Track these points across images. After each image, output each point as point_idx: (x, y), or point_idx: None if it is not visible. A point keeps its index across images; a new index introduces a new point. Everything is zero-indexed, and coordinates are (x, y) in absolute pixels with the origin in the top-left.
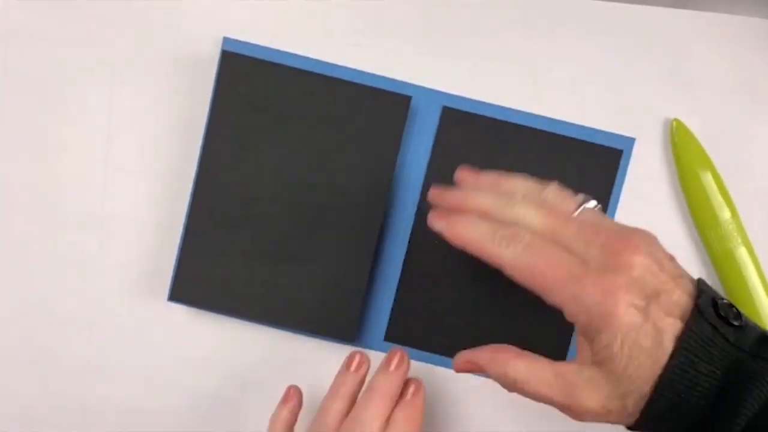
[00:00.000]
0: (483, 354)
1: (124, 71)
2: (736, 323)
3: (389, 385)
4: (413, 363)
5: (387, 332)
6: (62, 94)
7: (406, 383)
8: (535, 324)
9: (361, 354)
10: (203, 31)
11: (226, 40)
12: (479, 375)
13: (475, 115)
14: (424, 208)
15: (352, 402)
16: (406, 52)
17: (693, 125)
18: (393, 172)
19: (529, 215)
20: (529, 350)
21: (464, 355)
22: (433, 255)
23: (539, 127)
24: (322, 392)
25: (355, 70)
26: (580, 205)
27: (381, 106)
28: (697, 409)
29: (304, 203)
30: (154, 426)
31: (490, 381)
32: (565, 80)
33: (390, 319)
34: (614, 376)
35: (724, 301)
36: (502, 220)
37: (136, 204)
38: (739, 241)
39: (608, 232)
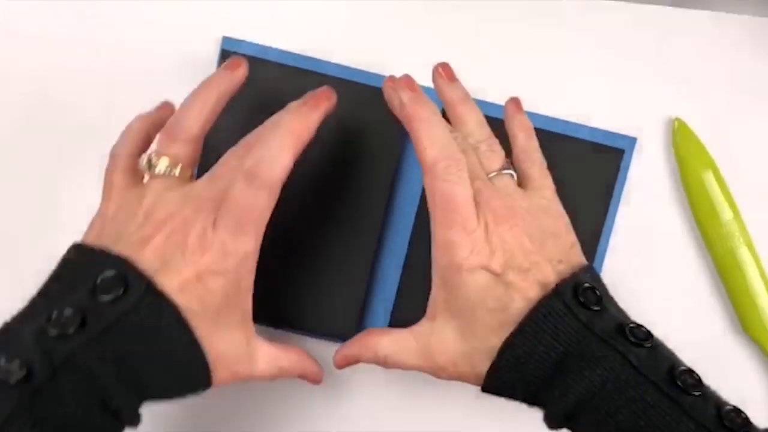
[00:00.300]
0: (353, 344)
1: (124, 71)
2: (594, 308)
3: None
4: None
5: None
6: (62, 95)
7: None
8: None
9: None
10: (203, 30)
11: (225, 39)
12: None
13: None
14: (424, 208)
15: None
16: (407, 50)
17: (695, 125)
18: (394, 172)
19: (465, 156)
20: None
21: (339, 352)
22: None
23: (540, 126)
24: (321, 393)
25: (355, 69)
26: (501, 169)
27: (381, 106)
28: (535, 378)
29: (305, 202)
30: (148, 427)
31: None
32: (566, 80)
33: (390, 319)
34: (460, 332)
35: (590, 287)
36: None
37: None
38: (741, 240)
39: (503, 202)
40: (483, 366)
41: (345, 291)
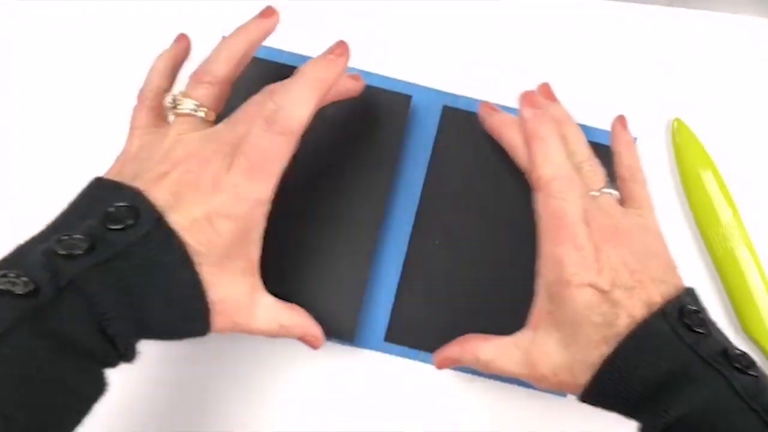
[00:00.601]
0: (454, 347)
1: (124, 71)
2: (699, 331)
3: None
4: (413, 363)
5: (387, 332)
6: (60, 96)
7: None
8: None
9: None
10: (204, 31)
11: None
12: (457, 368)
13: (475, 114)
14: (424, 208)
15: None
16: (407, 51)
17: (694, 125)
18: (393, 172)
19: (576, 175)
20: None
21: (439, 353)
22: (434, 255)
23: None
24: (320, 393)
25: (355, 69)
26: (603, 188)
27: (381, 106)
28: (636, 393)
29: (304, 202)
30: (145, 427)
31: (489, 380)
32: (566, 80)
33: (390, 319)
34: (563, 343)
35: (695, 309)
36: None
37: None
38: (741, 240)
39: (608, 220)
40: (584, 377)
41: (344, 291)
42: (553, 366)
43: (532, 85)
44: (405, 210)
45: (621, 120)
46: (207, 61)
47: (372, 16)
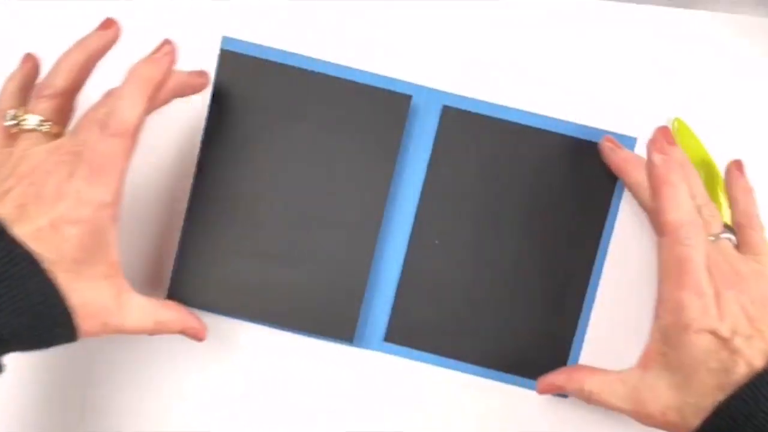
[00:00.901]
0: (561, 375)
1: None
2: None
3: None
4: (413, 363)
5: (387, 332)
6: None
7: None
8: (536, 322)
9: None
10: (203, 29)
11: (225, 39)
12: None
13: (475, 114)
14: (424, 208)
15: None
16: (407, 51)
17: (694, 125)
18: (393, 172)
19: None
20: (531, 348)
21: (544, 380)
22: (434, 254)
23: (540, 126)
24: (319, 394)
25: (355, 69)
26: (721, 233)
27: (381, 105)
28: None
29: (304, 202)
30: (150, 425)
31: (488, 381)
32: (566, 80)
33: (390, 319)
34: (675, 385)
35: None
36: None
37: (135, 203)
38: None
39: (728, 265)
40: (694, 421)
41: (344, 291)
42: (662, 406)
43: (532, 86)
44: (405, 210)
45: (738, 165)
46: (47, 76)
47: (371, 15)
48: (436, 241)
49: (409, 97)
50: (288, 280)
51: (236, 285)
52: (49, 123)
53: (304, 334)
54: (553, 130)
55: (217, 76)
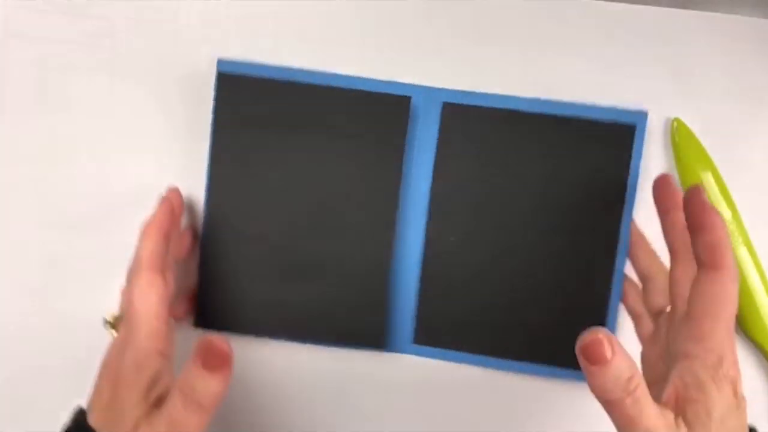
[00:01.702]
0: None
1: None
2: None
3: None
4: (444, 364)
5: (415, 334)
6: (62, 95)
7: None
8: (564, 308)
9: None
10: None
11: (220, 61)
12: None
13: (476, 107)
14: (436, 206)
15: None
16: (400, 52)
17: (694, 125)
18: (401, 174)
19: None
20: (562, 335)
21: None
22: (451, 251)
23: (544, 111)
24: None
25: (351, 77)
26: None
27: (381, 110)
28: None
29: (316, 214)
30: None
31: (520, 374)
32: (565, 80)
33: (416, 320)
34: None
35: None
36: None
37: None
38: (740, 240)
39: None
40: None
41: (368, 298)
42: None
43: (531, 86)
44: (417, 210)
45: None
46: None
47: (363, 17)
48: (452, 238)
49: (408, 98)
50: (311, 294)
51: (261, 306)
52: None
53: (335, 347)
54: (559, 112)
55: (216, 100)
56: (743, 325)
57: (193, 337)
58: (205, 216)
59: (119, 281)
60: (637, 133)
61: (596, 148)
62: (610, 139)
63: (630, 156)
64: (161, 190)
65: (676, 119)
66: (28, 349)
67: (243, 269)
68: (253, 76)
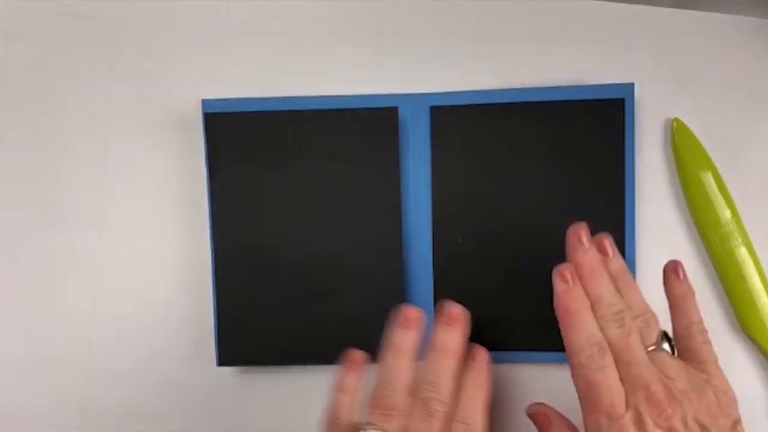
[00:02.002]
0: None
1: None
2: None
3: (454, 343)
4: None
5: None
6: (62, 95)
7: (470, 347)
8: None
9: (415, 309)
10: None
11: (204, 102)
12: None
13: (464, 106)
14: (438, 211)
15: (413, 359)
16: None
17: (693, 125)
18: (399, 185)
19: (626, 336)
20: None
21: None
22: (460, 253)
23: (532, 99)
24: None
25: (335, 97)
26: (657, 344)
27: (370, 125)
28: None
29: (322, 238)
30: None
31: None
32: (564, 80)
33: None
34: None
35: None
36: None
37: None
38: (740, 241)
39: (663, 383)
40: None
41: (384, 310)
42: None
43: (530, 85)
44: (420, 218)
45: (674, 267)
46: (387, 393)
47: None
48: (459, 239)
49: (395, 109)
50: (329, 316)
51: (281, 335)
52: None
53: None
54: (546, 98)
55: (207, 140)
56: (743, 325)
57: (216, 376)
58: (214, 254)
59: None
60: (626, 105)
61: (589, 128)
62: (602, 116)
63: (623, 130)
64: (161, 181)
65: (676, 119)
66: (28, 349)
67: (259, 302)
68: (240, 113)
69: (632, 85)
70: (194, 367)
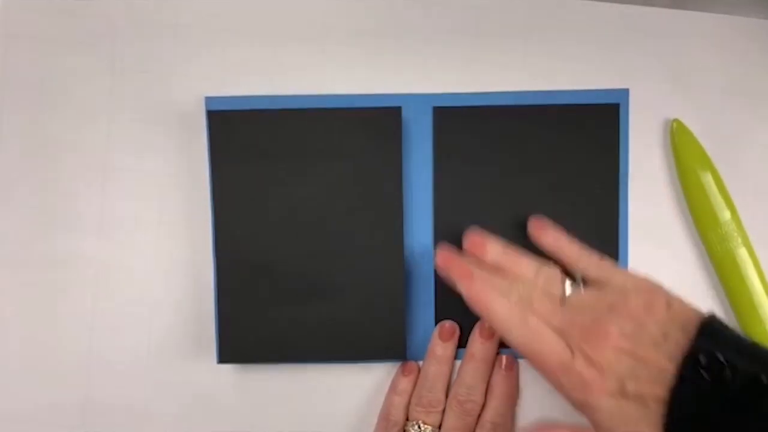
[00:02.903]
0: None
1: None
2: (724, 383)
3: (489, 354)
4: None
5: None
6: (62, 95)
7: (500, 357)
8: None
9: (451, 323)
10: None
11: (207, 99)
12: None
13: (467, 107)
14: (441, 211)
15: (451, 366)
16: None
17: (693, 126)
18: (402, 184)
19: (529, 300)
20: None
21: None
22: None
23: (531, 102)
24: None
25: (338, 96)
26: (570, 287)
27: (374, 125)
28: None
29: (324, 236)
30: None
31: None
32: (564, 81)
33: (435, 314)
34: None
35: (708, 360)
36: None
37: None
38: (740, 241)
39: (585, 318)
40: None
41: (386, 311)
42: None
43: (529, 87)
44: (423, 218)
45: (536, 225)
46: (428, 391)
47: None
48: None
49: (398, 109)
50: (330, 314)
51: (282, 332)
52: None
53: (354, 362)
54: (545, 102)
55: (210, 137)
56: (743, 325)
57: (217, 373)
58: (216, 251)
59: (119, 281)
60: (621, 110)
61: (586, 131)
62: (598, 120)
63: (618, 134)
64: (162, 181)
65: (676, 120)
66: (28, 349)
67: (260, 299)
68: (243, 110)
69: (627, 90)
70: (194, 367)
